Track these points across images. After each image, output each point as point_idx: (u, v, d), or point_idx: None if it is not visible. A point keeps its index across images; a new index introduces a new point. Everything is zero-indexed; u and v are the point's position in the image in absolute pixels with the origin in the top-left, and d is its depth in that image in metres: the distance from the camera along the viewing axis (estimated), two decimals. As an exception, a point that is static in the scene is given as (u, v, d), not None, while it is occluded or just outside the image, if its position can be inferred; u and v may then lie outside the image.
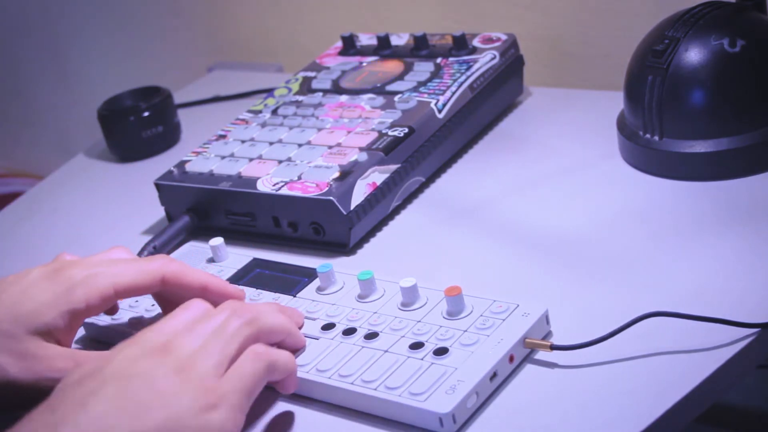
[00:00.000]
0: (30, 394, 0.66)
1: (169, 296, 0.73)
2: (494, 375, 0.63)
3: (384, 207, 0.86)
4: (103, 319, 0.77)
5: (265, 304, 0.68)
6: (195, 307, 0.65)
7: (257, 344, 0.63)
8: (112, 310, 0.77)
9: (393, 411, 0.63)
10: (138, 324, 0.76)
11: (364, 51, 1.05)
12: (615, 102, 0.89)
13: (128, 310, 0.78)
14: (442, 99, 0.92)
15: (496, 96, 0.97)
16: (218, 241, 0.83)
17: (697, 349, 0.63)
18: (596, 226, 0.79)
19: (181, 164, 0.94)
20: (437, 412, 0.61)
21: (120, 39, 1.57)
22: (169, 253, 0.87)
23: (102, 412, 0.56)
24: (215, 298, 0.72)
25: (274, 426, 0.66)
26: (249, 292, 0.77)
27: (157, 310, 0.76)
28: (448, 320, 0.68)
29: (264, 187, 0.86)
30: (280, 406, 0.67)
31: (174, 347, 0.61)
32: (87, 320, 0.78)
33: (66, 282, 0.70)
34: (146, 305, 0.77)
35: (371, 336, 0.68)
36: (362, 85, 0.98)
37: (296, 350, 0.68)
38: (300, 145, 0.91)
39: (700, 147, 0.81)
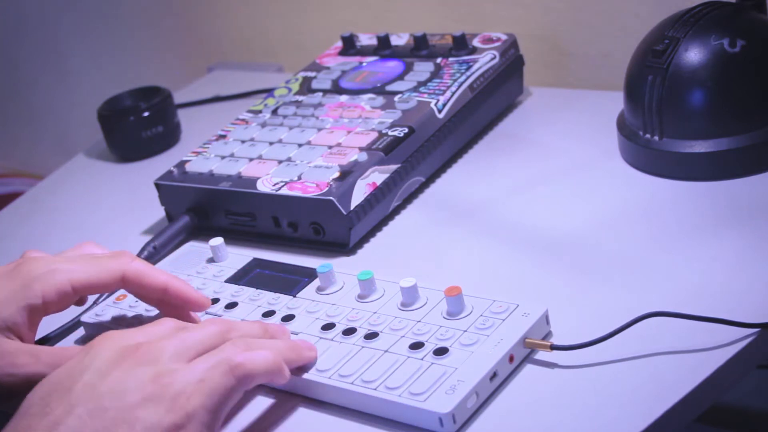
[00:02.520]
0: None
1: (135, 296, 0.73)
2: (494, 375, 0.63)
3: (384, 207, 0.86)
4: (102, 319, 0.77)
5: (267, 340, 0.65)
6: (175, 325, 0.64)
7: (233, 351, 0.61)
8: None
9: (393, 411, 0.63)
10: (137, 325, 0.76)
11: (364, 51, 1.05)
12: (615, 102, 0.89)
13: (128, 309, 0.78)
14: (442, 99, 0.92)
15: (496, 96, 0.97)
16: (218, 241, 0.83)
17: (697, 349, 0.63)
18: (596, 226, 0.79)
19: (181, 164, 0.94)
20: (437, 412, 0.61)
21: (120, 39, 1.57)
22: (168, 253, 0.87)
23: None
24: (176, 302, 0.72)
25: (273, 426, 0.66)
26: (249, 292, 0.77)
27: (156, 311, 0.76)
28: (448, 320, 0.68)
29: (264, 187, 0.86)
30: (279, 406, 0.67)
31: (153, 351, 0.60)
32: (86, 320, 0.78)
33: (24, 278, 0.70)
34: (146, 305, 0.77)
35: (371, 336, 0.68)
36: (362, 85, 0.98)
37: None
38: (300, 145, 0.91)
39: (700, 147, 0.81)
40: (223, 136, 0.97)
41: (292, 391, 0.68)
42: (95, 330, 0.78)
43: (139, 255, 0.86)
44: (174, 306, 0.72)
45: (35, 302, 0.69)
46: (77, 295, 0.71)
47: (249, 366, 0.60)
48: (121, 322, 0.77)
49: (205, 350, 0.61)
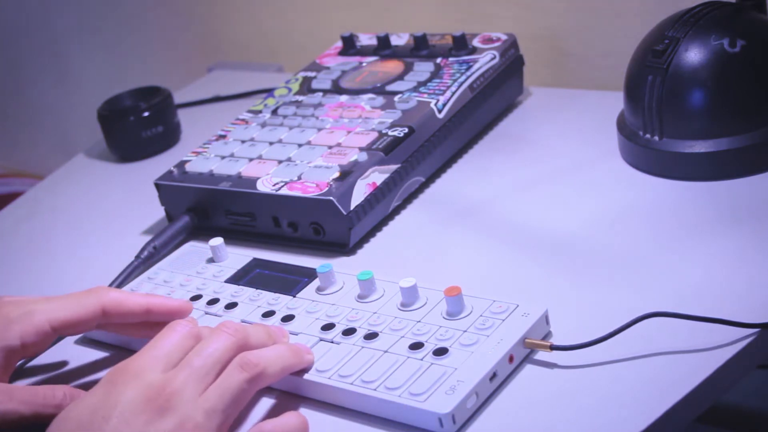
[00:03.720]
0: None
1: (114, 325, 0.73)
2: (494, 375, 0.63)
3: (384, 207, 0.86)
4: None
5: (272, 348, 0.67)
6: (188, 333, 0.64)
7: (266, 425, 0.63)
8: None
9: (393, 411, 0.63)
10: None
11: (364, 51, 1.05)
12: (615, 102, 0.89)
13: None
14: (442, 99, 0.92)
15: (496, 96, 0.97)
16: (218, 241, 0.83)
17: (697, 349, 0.63)
18: (596, 226, 0.79)
19: (181, 164, 0.94)
20: (437, 413, 0.61)
21: (120, 39, 1.57)
22: (168, 253, 0.87)
23: None
24: (161, 318, 0.72)
25: (274, 426, 0.66)
26: (249, 292, 0.77)
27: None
28: (447, 320, 0.68)
29: (264, 187, 0.86)
30: (280, 406, 0.67)
31: (174, 394, 0.60)
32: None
33: (1, 320, 0.69)
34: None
35: (371, 336, 0.68)
36: (362, 85, 0.98)
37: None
38: (300, 145, 0.91)
39: (700, 147, 0.81)
40: (223, 136, 0.97)
41: (292, 392, 0.68)
42: (94, 332, 0.78)
43: (138, 255, 0.86)
44: (159, 324, 0.72)
45: (13, 344, 0.69)
46: (56, 335, 0.71)
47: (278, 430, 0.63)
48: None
49: (222, 369, 0.63)
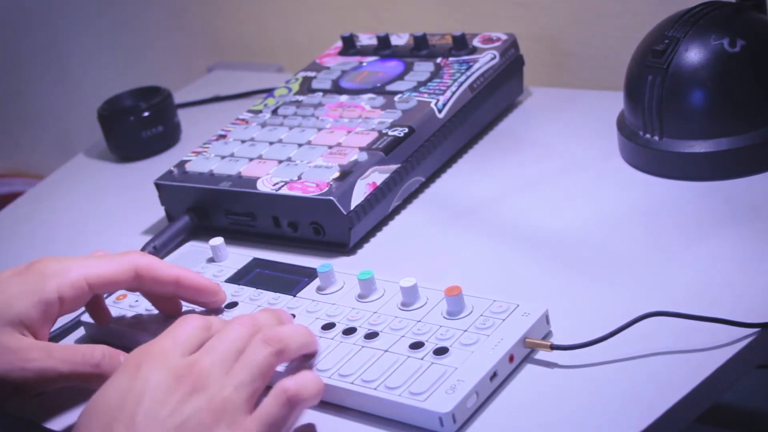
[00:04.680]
0: (1, 384, 0.66)
1: (147, 294, 0.74)
2: (494, 375, 0.63)
3: (384, 207, 0.86)
4: (103, 319, 0.78)
5: (286, 327, 0.66)
6: (203, 325, 0.64)
7: (287, 381, 0.62)
8: (101, 317, 0.76)
9: (393, 411, 0.63)
10: (137, 324, 0.76)
11: (364, 51, 1.05)
12: (615, 102, 0.89)
13: (128, 309, 0.78)
14: (442, 99, 0.92)
15: (496, 96, 0.97)
16: (218, 241, 0.83)
17: (697, 349, 0.63)
18: (596, 226, 0.79)
19: (181, 164, 0.94)
20: (437, 412, 0.61)
21: (120, 39, 1.57)
22: (169, 253, 0.87)
23: None
24: (188, 294, 0.73)
25: (274, 426, 0.66)
26: (249, 292, 0.77)
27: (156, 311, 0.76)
28: (448, 320, 0.68)
29: (264, 187, 0.86)
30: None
31: (202, 373, 0.60)
32: (86, 320, 0.78)
33: (38, 274, 0.70)
34: (146, 304, 0.77)
35: (371, 336, 0.68)
36: (362, 85, 0.98)
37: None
38: (300, 145, 0.91)
39: (700, 147, 0.81)
40: (223, 136, 0.97)
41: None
42: (95, 330, 0.78)
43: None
44: (185, 299, 0.73)
45: (50, 297, 0.69)
46: (92, 292, 0.71)
47: (304, 394, 0.62)
48: (121, 322, 0.77)
49: (238, 354, 0.62)
